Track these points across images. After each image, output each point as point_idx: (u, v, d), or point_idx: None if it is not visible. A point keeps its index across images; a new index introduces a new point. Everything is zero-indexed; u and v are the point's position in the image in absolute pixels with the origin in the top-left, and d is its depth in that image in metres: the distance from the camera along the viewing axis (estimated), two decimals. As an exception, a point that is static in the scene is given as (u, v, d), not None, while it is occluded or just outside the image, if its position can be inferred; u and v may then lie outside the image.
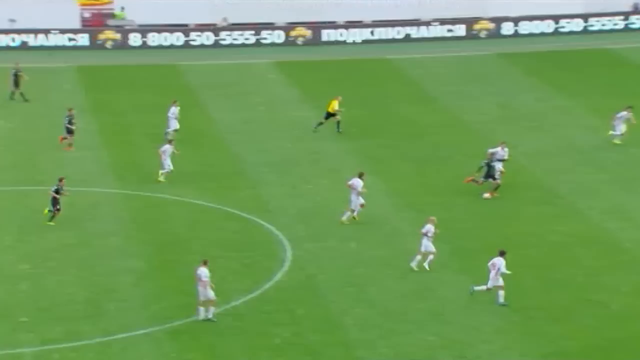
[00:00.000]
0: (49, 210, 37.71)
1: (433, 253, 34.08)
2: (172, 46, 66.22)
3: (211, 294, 30.95)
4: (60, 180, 37.98)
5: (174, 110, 47.37)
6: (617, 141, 45.54)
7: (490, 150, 40.51)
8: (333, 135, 49.02)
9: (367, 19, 68.79)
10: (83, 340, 30.00)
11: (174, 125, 47.07)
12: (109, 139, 48.21)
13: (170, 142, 42.90)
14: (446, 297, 32.69)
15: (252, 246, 36.55)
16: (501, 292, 31.53)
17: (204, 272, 31.00)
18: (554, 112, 51.71)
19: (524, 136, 48.06)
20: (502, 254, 31.72)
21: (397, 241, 36.85)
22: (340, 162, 45.29)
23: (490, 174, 39.95)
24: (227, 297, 31.77)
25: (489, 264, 31.72)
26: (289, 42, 67.02)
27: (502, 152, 40.54)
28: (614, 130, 45.70)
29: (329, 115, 48.02)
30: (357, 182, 38.13)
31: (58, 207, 37.56)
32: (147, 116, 51.78)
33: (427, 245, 34.08)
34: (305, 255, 35.88)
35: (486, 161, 40.09)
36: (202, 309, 31.11)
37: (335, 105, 48.01)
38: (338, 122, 48.03)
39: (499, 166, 40.32)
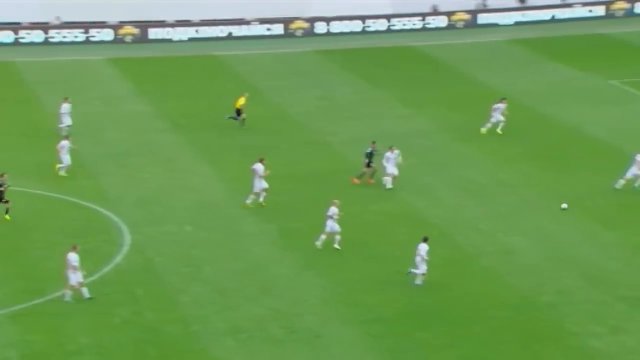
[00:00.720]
0: None
1: (338, 233, 34.25)
2: (1, 44, 64.11)
3: (79, 277, 30.59)
4: (2, 175, 36.76)
5: (66, 107, 46.34)
6: (499, 131, 46.24)
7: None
8: (166, 127, 48.79)
9: (195, 18, 68.62)
10: None
11: (67, 121, 46.08)
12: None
13: (66, 137, 42.21)
14: (275, 273, 33.14)
15: (92, 232, 36.00)
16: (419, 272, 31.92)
17: (73, 257, 30.58)
18: (368, 103, 52.90)
19: (342, 126, 49.08)
20: (425, 240, 31.95)
21: (230, 224, 37.05)
22: (174, 152, 45.11)
23: (369, 162, 40.11)
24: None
25: (416, 249, 31.91)
26: (118, 40, 66.20)
27: (391, 154, 39.86)
28: (490, 122, 46.58)
29: (238, 111, 47.53)
30: (259, 167, 37.95)
31: (5, 199, 36.41)
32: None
33: (332, 226, 34.27)
34: (144, 239, 35.63)
35: (369, 151, 40.07)
36: (68, 291, 30.74)
37: (241, 102, 47.60)
38: (243, 119, 47.50)
39: (391, 170, 39.54)
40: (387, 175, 39.91)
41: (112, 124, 49.21)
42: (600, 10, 73.11)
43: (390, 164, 39.87)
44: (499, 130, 46.61)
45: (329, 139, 47.10)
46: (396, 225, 36.78)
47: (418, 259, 31.79)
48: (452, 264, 33.56)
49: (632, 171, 39.58)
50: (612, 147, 45.42)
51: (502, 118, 46.48)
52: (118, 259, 33.97)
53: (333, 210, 34.37)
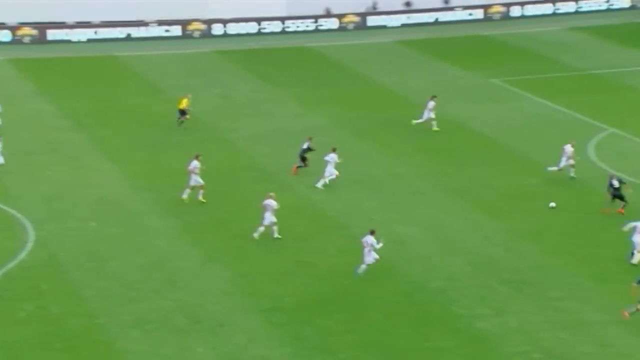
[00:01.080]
0: None
1: (274, 224, 34.06)
2: None
3: None
4: None
5: None
6: (435, 128, 46.46)
7: (304, 146, 40.49)
8: (69, 125, 47.85)
9: (94, 19, 67.45)
10: None
11: None
12: None
13: None
14: (180, 266, 32.82)
15: (-5, 230, 35.04)
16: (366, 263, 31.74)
17: None
18: (267, 102, 52.80)
19: (242, 123, 48.91)
20: (372, 232, 31.77)
21: (134, 219, 36.52)
22: (78, 150, 44.27)
23: (302, 156, 40.54)
24: (-27, 278, 30.35)
25: (362, 241, 31.75)
26: (16, 41, 64.59)
27: (333, 156, 39.69)
28: (420, 118, 46.58)
29: (182, 112, 46.49)
30: (194, 164, 37.29)
31: None
32: None
33: (269, 217, 34.03)
34: (48, 235, 34.81)
35: (305, 146, 40.48)
36: None
37: (185, 103, 46.61)
38: (181, 120, 46.54)
39: (329, 172, 39.38)
40: (324, 177, 39.63)
41: (15, 123, 47.92)
42: (479, 14, 74.82)
43: (330, 166, 39.69)
44: (435, 128, 46.75)
45: (230, 135, 46.91)
46: (295, 218, 36.81)
47: (366, 250, 31.80)
48: (348, 253, 33.77)
49: (564, 161, 40.52)
50: (495, 142, 46.45)
51: (432, 115, 46.96)
52: (22, 255, 33.13)
53: (269, 202, 34.22)
